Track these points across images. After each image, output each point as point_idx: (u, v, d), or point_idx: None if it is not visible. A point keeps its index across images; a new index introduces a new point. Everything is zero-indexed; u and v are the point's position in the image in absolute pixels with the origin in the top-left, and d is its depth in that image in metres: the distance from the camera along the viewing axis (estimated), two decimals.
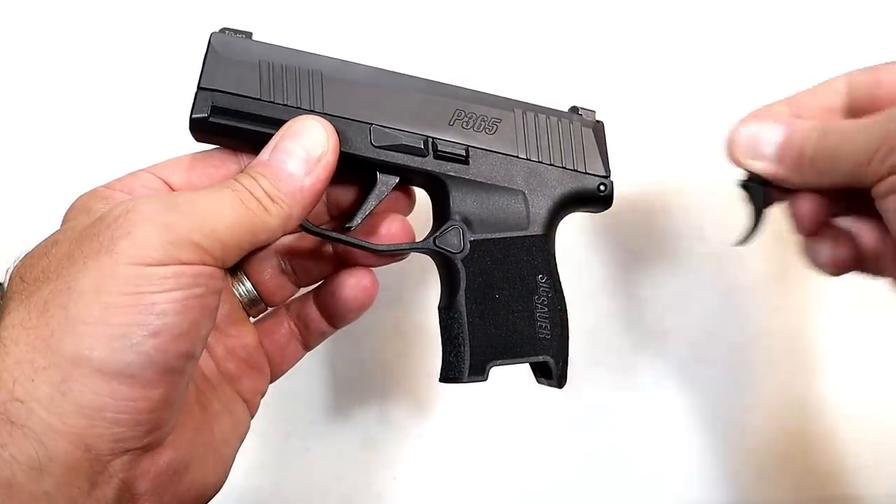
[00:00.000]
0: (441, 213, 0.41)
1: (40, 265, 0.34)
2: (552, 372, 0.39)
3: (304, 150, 0.37)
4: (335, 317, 0.44)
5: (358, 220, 0.40)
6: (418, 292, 0.59)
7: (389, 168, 0.40)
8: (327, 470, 0.55)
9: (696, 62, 0.63)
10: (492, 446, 0.56)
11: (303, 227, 0.40)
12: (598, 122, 0.43)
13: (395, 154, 0.39)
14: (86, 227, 0.34)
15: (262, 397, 0.44)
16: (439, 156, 0.40)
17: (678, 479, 0.59)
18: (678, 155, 0.61)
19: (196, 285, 0.33)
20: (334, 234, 0.41)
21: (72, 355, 0.31)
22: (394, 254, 0.42)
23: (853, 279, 0.42)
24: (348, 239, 0.41)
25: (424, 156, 0.40)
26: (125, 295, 0.32)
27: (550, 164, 0.41)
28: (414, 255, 0.43)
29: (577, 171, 0.41)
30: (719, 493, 0.58)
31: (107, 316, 0.31)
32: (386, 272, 0.60)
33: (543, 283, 0.40)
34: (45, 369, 0.31)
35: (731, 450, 0.59)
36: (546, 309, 0.39)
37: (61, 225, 0.38)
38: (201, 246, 0.33)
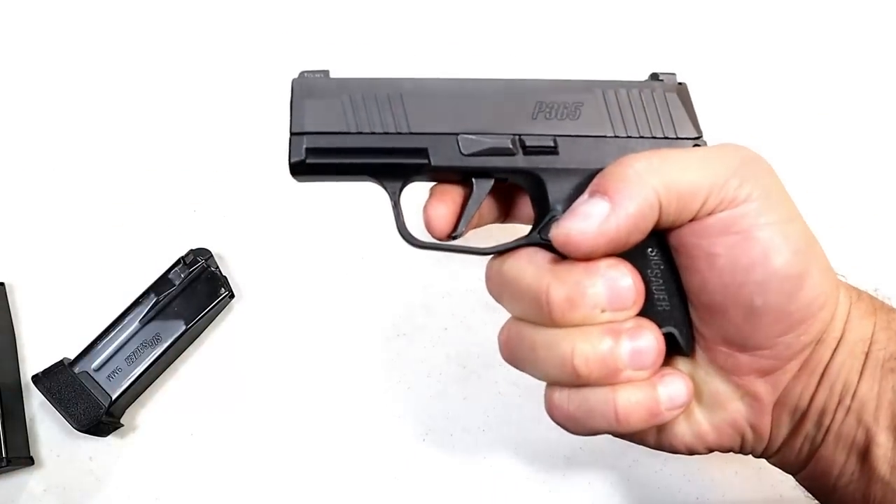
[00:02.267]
0: (541, 206, 0.41)
1: None
2: (679, 341, 0.39)
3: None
4: None
5: (462, 227, 0.41)
6: (419, 296, 0.59)
7: (483, 173, 0.41)
8: (328, 470, 0.55)
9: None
10: (491, 447, 0.56)
11: (410, 242, 0.41)
12: (680, 84, 0.42)
13: (486, 158, 0.40)
14: None
15: None
16: (529, 151, 0.40)
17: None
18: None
19: None
20: (444, 244, 0.41)
21: None
22: (502, 252, 0.41)
23: None
24: (458, 246, 0.41)
25: (514, 154, 0.40)
26: None
27: (640, 137, 0.40)
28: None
29: (667, 137, 0.40)
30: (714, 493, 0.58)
31: None
32: (386, 275, 0.61)
33: (654, 255, 0.39)
34: None
35: None
36: (661, 281, 0.38)
37: None
38: None
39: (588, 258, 0.36)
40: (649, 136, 0.40)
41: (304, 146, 0.39)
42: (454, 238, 0.41)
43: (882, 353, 0.36)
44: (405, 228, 0.41)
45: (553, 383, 0.37)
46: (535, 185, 0.41)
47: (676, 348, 0.39)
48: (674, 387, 0.36)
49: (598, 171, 0.38)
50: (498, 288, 0.40)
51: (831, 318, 0.36)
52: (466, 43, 0.65)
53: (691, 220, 0.35)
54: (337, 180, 0.41)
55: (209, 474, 0.54)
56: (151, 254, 0.58)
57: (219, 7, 0.67)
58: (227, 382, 0.56)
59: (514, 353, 0.39)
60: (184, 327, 0.54)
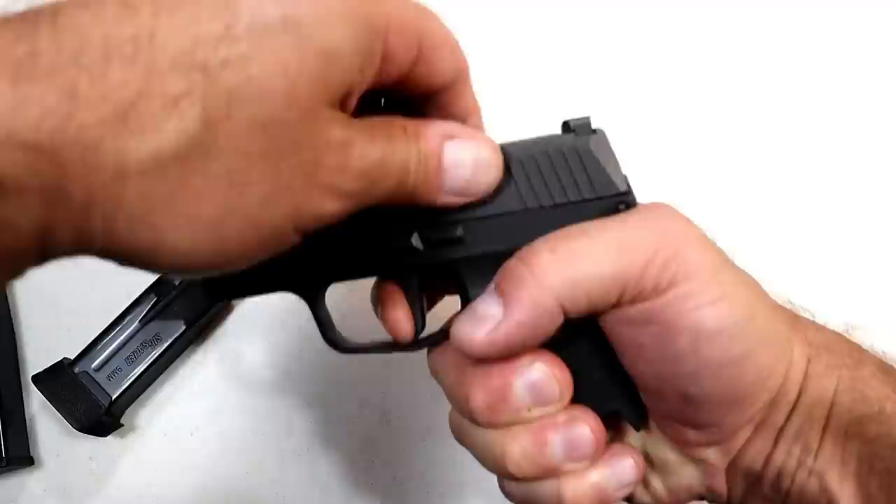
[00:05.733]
0: (462, 295, 0.36)
1: None
2: (627, 418, 0.36)
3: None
4: None
5: (422, 325, 0.38)
6: None
7: (395, 273, 0.37)
8: (328, 470, 0.55)
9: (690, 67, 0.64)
10: None
11: (336, 349, 0.38)
12: (595, 131, 0.35)
13: (393, 259, 0.35)
14: None
15: None
16: (434, 245, 0.34)
17: None
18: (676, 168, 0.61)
19: None
20: (371, 346, 0.39)
21: None
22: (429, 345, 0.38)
23: None
24: (385, 345, 0.38)
25: (420, 251, 0.34)
26: None
27: (553, 206, 0.34)
28: None
29: (586, 200, 0.34)
30: None
31: None
32: None
33: (584, 336, 0.34)
34: None
35: None
36: (600, 359, 0.35)
37: None
38: None
39: (487, 360, 0.33)
40: (564, 201, 0.34)
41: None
42: (419, 336, 0.38)
43: (846, 417, 0.32)
44: (332, 334, 0.38)
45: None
46: (453, 276, 0.35)
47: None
48: (621, 467, 0.34)
49: (512, 251, 0.33)
50: (434, 378, 0.37)
51: (783, 381, 0.32)
52: None
53: (612, 308, 0.32)
54: (248, 296, 0.36)
55: (209, 474, 0.54)
56: None
57: None
58: (226, 382, 0.57)
59: (461, 441, 0.36)
60: (184, 327, 0.54)
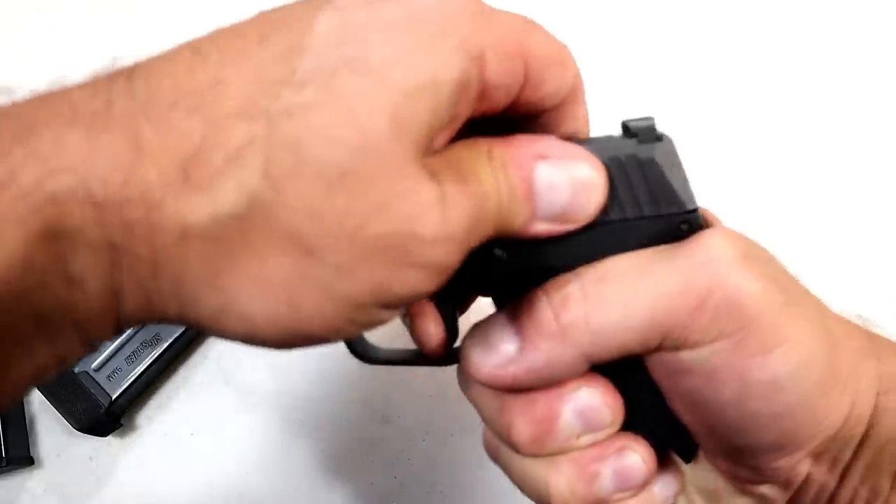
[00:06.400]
0: (495, 301, 0.33)
1: None
2: (676, 453, 0.33)
3: None
4: None
5: (457, 339, 0.34)
6: None
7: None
8: (328, 470, 0.55)
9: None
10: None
11: (363, 360, 0.34)
12: (660, 138, 0.29)
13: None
14: None
15: None
16: (469, 258, 0.29)
17: None
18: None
19: None
20: (397, 360, 0.35)
21: None
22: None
23: None
24: (413, 359, 0.35)
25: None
26: None
27: (605, 223, 0.29)
28: None
29: (644, 217, 0.29)
30: None
31: None
32: None
33: (633, 365, 0.31)
34: None
35: None
36: (646, 390, 0.31)
37: None
38: None
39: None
40: (619, 217, 0.29)
41: None
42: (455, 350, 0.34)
43: None
44: (362, 345, 0.34)
45: None
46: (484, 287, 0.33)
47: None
48: (664, 482, 0.32)
49: (558, 267, 0.29)
50: (467, 399, 0.33)
51: (845, 419, 0.28)
52: None
53: (653, 351, 0.28)
54: None
55: (209, 474, 0.54)
56: None
57: (222, 10, 0.67)
58: (226, 383, 0.56)
59: (495, 460, 0.33)
60: (184, 327, 0.54)
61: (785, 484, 0.31)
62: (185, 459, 0.55)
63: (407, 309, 0.33)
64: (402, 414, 0.56)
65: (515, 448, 0.30)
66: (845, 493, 0.30)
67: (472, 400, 0.32)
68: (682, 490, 0.33)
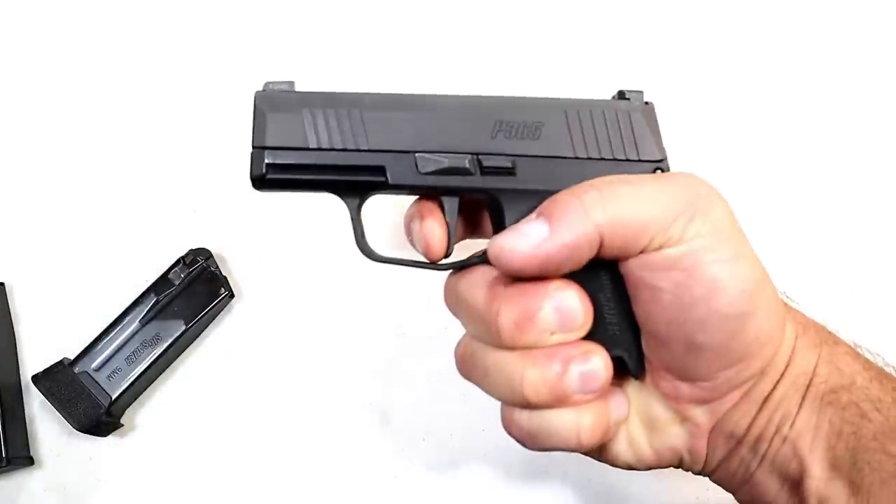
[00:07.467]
0: (498, 225, 0.40)
1: None
2: (628, 365, 0.39)
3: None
4: None
5: (452, 246, 0.41)
6: (419, 296, 0.59)
7: (441, 191, 0.40)
8: (328, 470, 0.55)
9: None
10: (491, 447, 0.56)
11: (369, 257, 0.41)
12: (647, 103, 0.41)
13: (444, 177, 0.39)
14: None
15: None
16: (486, 171, 0.39)
17: None
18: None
19: None
20: (402, 259, 0.41)
21: None
22: (458, 268, 0.41)
23: None
24: (416, 261, 0.41)
25: (472, 174, 0.39)
26: None
27: (600, 159, 0.40)
28: None
29: (629, 160, 0.40)
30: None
31: None
32: (386, 274, 0.61)
33: (605, 279, 0.38)
34: None
35: None
36: (612, 304, 0.38)
37: None
38: None
39: (518, 276, 0.36)
40: (610, 157, 0.40)
41: (265, 161, 0.39)
42: (447, 257, 0.41)
43: (822, 387, 0.36)
44: (364, 242, 0.41)
45: (506, 404, 0.37)
46: (492, 204, 0.40)
47: (624, 371, 0.39)
48: (616, 402, 0.38)
49: (554, 192, 0.37)
50: (454, 305, 0.40)
51: (774, 353, 0.36)
52: (434, 54, 0.64)
53: (638, 254, 0.35)
54: (298, 191, 0.41)
55: (209, 474, 0.55)
56: (151, 254, 0.58)
57: (222, 8, 0.67)
58: (226, 382, 0.57)
59: (469, 372, 0.39)
60: (184, 327, 0.54)
61: (714, 410, 0.37)
62: (185, 459, 0.55)
63: (418, 214, 0.40)
64: (402, 414, 0.57)
65: (497, 335, 0.35)
66: (761, 419, 0.37)
67: (461, 297, 0.38)
68: (628, 416, 0.38)
